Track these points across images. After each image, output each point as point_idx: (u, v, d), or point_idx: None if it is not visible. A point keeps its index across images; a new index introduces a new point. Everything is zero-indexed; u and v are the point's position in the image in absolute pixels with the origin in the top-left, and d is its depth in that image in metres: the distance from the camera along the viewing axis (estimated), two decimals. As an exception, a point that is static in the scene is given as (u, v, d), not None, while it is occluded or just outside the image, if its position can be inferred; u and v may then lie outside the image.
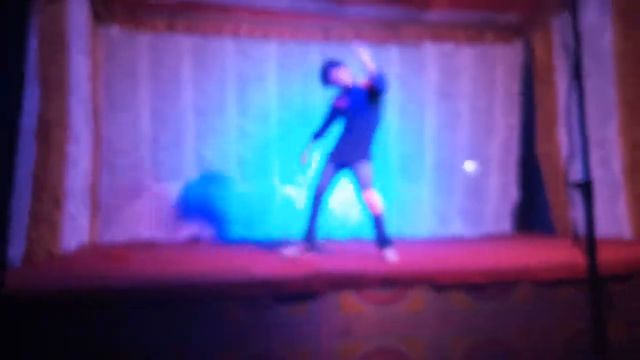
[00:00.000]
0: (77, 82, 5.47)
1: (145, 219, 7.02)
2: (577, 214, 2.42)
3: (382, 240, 4.49)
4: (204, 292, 3.02)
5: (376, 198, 4.54)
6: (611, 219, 5.83)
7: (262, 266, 3.79)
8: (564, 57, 6.43)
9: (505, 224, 7.83)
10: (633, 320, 3.54)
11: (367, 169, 4.64)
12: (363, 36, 7.50)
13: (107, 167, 6.88)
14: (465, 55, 7.75)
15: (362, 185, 4.59)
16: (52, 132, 4.55)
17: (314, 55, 7.53)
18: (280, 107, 7.47)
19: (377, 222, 4.54)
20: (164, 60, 7.10)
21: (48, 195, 4.51)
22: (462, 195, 7.72)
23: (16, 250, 3.85)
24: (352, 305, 3.21)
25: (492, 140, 7.81)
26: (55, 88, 4.65)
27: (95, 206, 6.54)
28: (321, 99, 7.55)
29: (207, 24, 7.12)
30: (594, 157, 5.87)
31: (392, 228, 7.46)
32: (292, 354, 3.08)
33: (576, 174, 2.38)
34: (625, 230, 5.67)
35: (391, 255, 4.32)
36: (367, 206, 4.54)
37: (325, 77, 5.06)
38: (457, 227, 7.67)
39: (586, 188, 2.17)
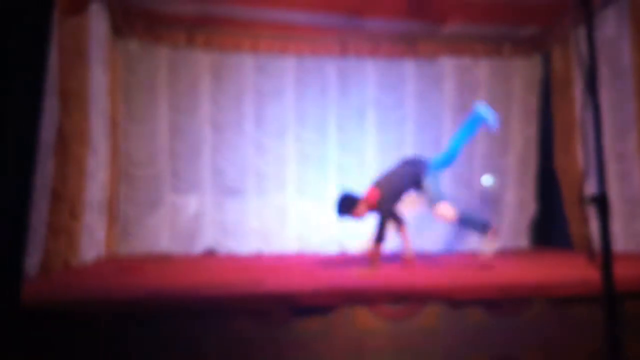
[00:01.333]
0: (96, 94, 5.55)
1: (162, 231, 7.06)
2: (594, 229, 2.38)
3: (479, 228, 4.93)
4: (217, 305, 3.02)
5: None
6: (630, 235, 5.71)
7: (277, 280, 3.78)
8: (582, 70, 6.36)
9: (523, 239, 7.72)
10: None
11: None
12: (380, 50, 7.53)
13: (124, 180, 6.95)
14: (483, 69, 7.71)
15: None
16: (70, 144, 4.62)
17: (332, 69, 7.57)
18: (297, 121, 7.50)
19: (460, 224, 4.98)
20: (182, 74, 7.18)
21: (66, 207, 4.57)
22: (479, 209, 7.64)
23: (33, 261, 3.89)
24: (366, 320, 3.18)
25: (510, 153, 7.74)
26: (74, 101, 4.72)
27: (113, 218, 6.61)
28: (337, 113, 7.59)
29: (225, 38, 7.21)
30: (613, 171, 5.77)
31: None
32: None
33: (592, 188, 2.34)
34: (646, 246, 5.55)
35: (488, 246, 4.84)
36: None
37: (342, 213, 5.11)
38: (474, 242, 7.58)
39: (602, 203, 2.13)
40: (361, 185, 7.46)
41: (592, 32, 2.24)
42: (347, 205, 5.01)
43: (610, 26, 5.96)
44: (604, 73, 5.91)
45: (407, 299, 3.24)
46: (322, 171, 7.54)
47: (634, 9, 5.57)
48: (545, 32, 7.33)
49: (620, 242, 5.62)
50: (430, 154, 7.59)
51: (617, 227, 5.71)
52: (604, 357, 3.26)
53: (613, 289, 2.05)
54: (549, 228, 7.64)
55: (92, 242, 5.58)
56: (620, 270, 2.22)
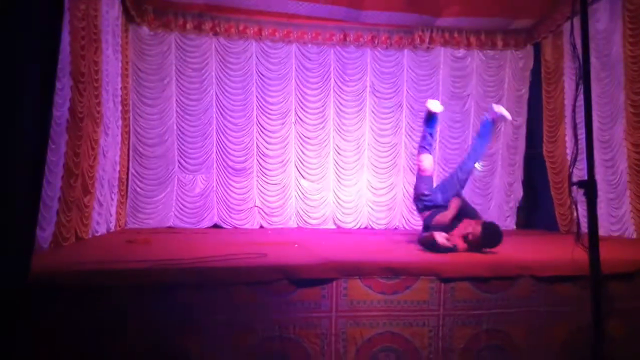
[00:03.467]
0: (108, 76, 5.48)
1: (170, 208, 7.05)
2: (580, 212, 2.34)
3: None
4: (221, 276, 3.00)
5: None
6: (615, 219, 5.70)
7: (278, 253, 3.76)
8: (573, 60, 6.28)
9: (510, 221, 7.71)
10: (631, 318, 3.44)
11: None
12: (379, 40, 7.43)
13: (135, 158, 6.92)
14: (476, 59, 7.62)
15: None
16: (83, 123, 4.56)
17: (332, 57, 7.49)
18: (299, 106, 7.43)
19: None
20: (190, 59, 7.10)
21: (78, 183, 4.52)
22: (467, 192, 7.61)
23: (46, 234, 3.86)
24: (360, 292, 3.16)
25: (499, 140, 7.68)
26: (87, 82, 4.65)
27: (123, 194, 6.58)
28: (336, 99, 7.52)
29: (231, 25, 7.10)
30: (600, 157, 5.74)
31: (397, 221, 7.48)
32: (304, 336, 3.05)
33: (580, 173, 2.30)
34: (629, 230, 5.53)
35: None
36: None
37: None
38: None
39: (590, 187, 2.08)
40: (356, 166, 7.47)
41: (587, 23, 2.17)
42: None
43: (603, 19, 5.87)
44: (593, 64, 5.83)
45: (400, 273, 3.22)
46: (321, 153, 7.50)
47: (627, 2, 5.47)
48: (537, 24, 7.22)
49: (604, 226, 5.60)
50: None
51: (603, 210, 5.70)
52: (583, 332, 3.26)
53: (599, 270, 2.02)
54: (535, 211, 7.63)
55: (103, 216, 5.55)
56: (605, 252, 2.18)
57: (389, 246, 4.69)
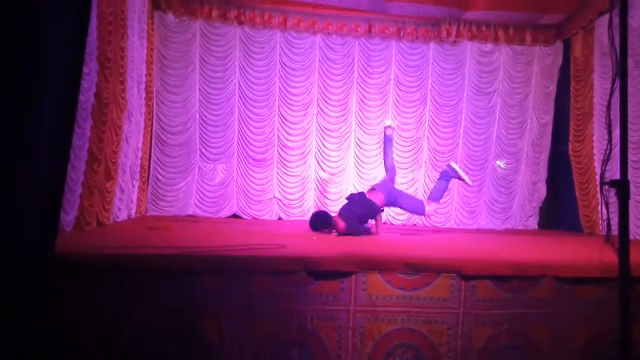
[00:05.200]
0: (133, 63, 5.51)
1: (190, 196, 7.11)
2: (608, 213, 2.28)
3: None
4: (240, 264, 3.01)
5: None
6: (643, 221, 5.58)
7: (296, 244, 3.76)
8: (605, 57, 6.13)
9: (532, 221, 7.61)
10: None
11: None
12: (404, 32, 7.36)
13: (157, 145, 6.97)
14: (503, 54, 7.50)
15: None
16: (108, 109, 4.60)
17: (357, 48, 7.43)
18: (321, 97, 7.41)
19: None
20: (214, 47, 7.11)
21: (101, 168, 4.57)
22: (491, 189, 7.53)
23: (69, 217, 3.91)
24: (380, 287, 3.14)
25: (525, 138, 7.57)
26: (112, 67, 4.69)
27: (145, 181, 6.64)
28: (359, 91, 7.48)
29: (256, 14, 7.09)
30: (630, 159, 5.59)
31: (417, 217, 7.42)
32: (321, 328, 3.05)
33: (609, 174, 2.25)
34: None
35: None
36: None
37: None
38: (484, 220, 7.51)
39: (622, 187, 2.04)
40: (377, 160, 7.43)
41: (626, 18, 2.11)
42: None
43: (635, 15, 5.70)
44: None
45: (421, 269, 3.19)
46: (342, 146, 7.48)
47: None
48: (567, 20, 7.07)
49: (631, 229, 5.47)
50: (447, 134, 7.54)
51: (630, 212, 5.56)
52: (606, 336, 3.19)
53: (628, 271, 1.98)
54: (558, 211, 7.50)
55: (125, 202, 5.61)
56: (632, 256, 2.13)
57: (409, 242, 4.66)
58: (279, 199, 7.32)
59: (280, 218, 7.27)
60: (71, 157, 3.64)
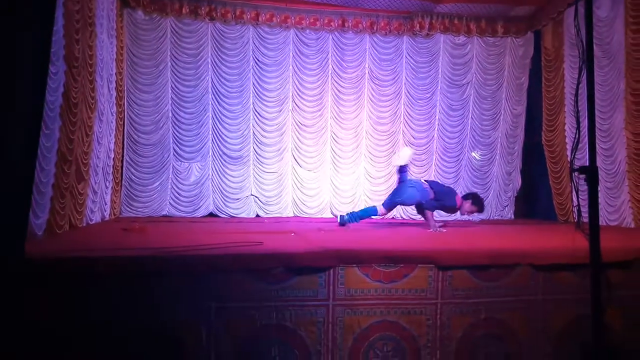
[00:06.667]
0: (102, 61, 5.42)
1: (165, 196, 7.03)
2: (580, 201, 2.33)
3: None
4: (216, 263, 2.99)
5: None
6: (613, 208, 5.71)
7: (274, 240, 3.75)
8: (574, 47, 6.26)
9: (508, 211, 7.73)
10: (630, 306, 3.45)
11: None
12: (378, 26, 7.38)
13: (129, 145, 6.88)
14: (476, 46, 7.58)
15: None
16: (77, 109, 4.52)
17: (330, 43, 7.43)
18: (296, 92, 7.39)
19: None
20: (186, 44, 7.03)
21: (72, 170, 4.49)
22: (467, 181, 7.63)
23: (40, 221, 3.83)
24: (358, 280, 3.16)
25: (499, 129, 7.68)
26: (81, 67, 4.60)
27: (118, 182, 6.55)
28: (334, 86, 7.48)
29: (228, 10, 7.03)
30: (599, 146, 5.73)
31: (395, 211, 7.47)
32: (301, 325, 3.05)
33: (581, 161, 2.29)
34: (627, 219, 5.55)
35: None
36: None
37: None
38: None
39: (591, 174, 2.08)
40: (354, 155, 7.46)
41: (591, 8, 2.16)
42: None
43: (602, 6, 5.83)
44: (595, 52, 5.81)
45: (399, 261, 3.22)
46: (319, 141, 7.48)
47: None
48: (537, 11, 7.18)
49: (602, 215, 5.61)
50: (422, 127, 7.60)
51: (601, 199, 5.70)
52: (582, 321, 3.27)
53: (599, 258, 2.02)
54: (533, 200, 7.64)
55: (97, 205, 5.52)
56: (605, 241, 2.18)
57: (387, 235, 4.69)
58: (256, 197, 7.29)
59: (258, 216, 7.24)
60: (39, 159, 3.57)
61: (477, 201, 5.49)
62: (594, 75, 2.11)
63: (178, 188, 7.08)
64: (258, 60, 7.24)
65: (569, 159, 6.39)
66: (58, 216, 4.18)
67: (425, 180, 5.65)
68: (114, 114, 6.18)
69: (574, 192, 2.19)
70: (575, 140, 2.20)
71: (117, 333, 2.79)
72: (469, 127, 7.60)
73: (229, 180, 7.23)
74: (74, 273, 2.79)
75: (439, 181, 6.39)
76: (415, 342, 3.20)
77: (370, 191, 7.55)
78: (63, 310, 2.75)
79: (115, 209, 6.44)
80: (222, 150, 7.20)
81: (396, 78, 7.55)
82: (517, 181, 7.74)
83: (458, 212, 5.72)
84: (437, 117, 7.59)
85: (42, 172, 3.80)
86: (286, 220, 6.84)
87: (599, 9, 5.84)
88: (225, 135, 7.20)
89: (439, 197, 5.29)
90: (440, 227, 5.25)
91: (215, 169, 7.20)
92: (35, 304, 2.69)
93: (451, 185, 6.68)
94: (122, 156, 6.75)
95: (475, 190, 7.51)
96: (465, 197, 5.54)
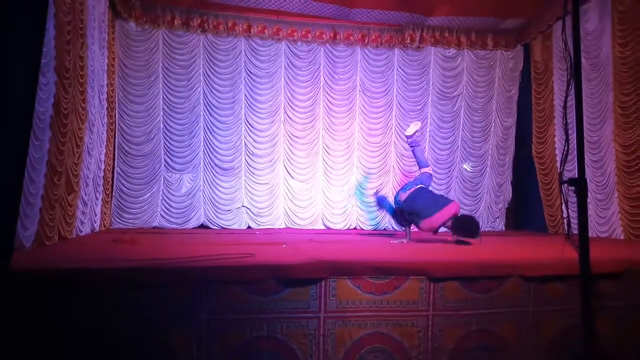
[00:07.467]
0: (93, 72, 5.42)
1: (156, 207, 7.00)
2: (569, 212, 2.35)
3: None
4: (207, 275, 2.97)
5: None
6: (603, 219, 5.75)
7: (265, 252, 3.74)
8: (563, 60, 6.34)
9: (498, 222, 7.76)
10: (620, 316, 3.47)
11: None
12: (369, 38, 7.45)
13: (120, 156, 6.85)
14: (466, 59, 7.66)
15: None
16: (67, 119, 4.50)
17: (322, 55, 7.48)
18: (287, 104, 7.42)
19: None
20: (178, 55, 7.05)
21: (62, 181, 4.46)
22: (458, 192, 7.66)
23: (29, 233, 3.80)
24: (349, 292, 3.15)
25: (489, 141, 7.74)
26: (72, 78, 4.59)
27: (108, 193, 6.51)
28: (326, 98, 7.52)
29: (220, 22, 7.06)
30: (589, 158, 5.79)
31: (387, 222, 7.48)
32: (292, 337, 3.03)
33: (570, 173, 2.31)
34: (617, 231, 5.58)
35: None
36: None
37: None
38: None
39: (581, 186, 2.10)
40: (345, 166, 7.48)
41: (578, 22, 2.19)
42: None
43: (591, 19, 5.92)
44: (582, 65, 5.84)
45: (390, 273, 3.22)
46: (311, 152, 7.49)
47: (616, 3, 5.52)
48: (526, 25, 7.28)
49: (592, 227, 5.65)
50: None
51: (591, 211, 5.75)
52: (572, 331, 3.28)
53: (589, 269, 2.03)
54: (524, 212, 7.68)
55: (88, 216, 5.48)
56: (594, 252, 2.20)
57: (378, 246, 4.69)
58: (247, 208, 7.28)
59: (249, 227, 7.22)
60: (29, 170, 3.55)
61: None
62: (581, 88, 2.13)
63: (169, 199, 7.05)
64: (250, 71, 7.26)
65: (559, 171, 6.49)
66: (47, 228, 4.14)
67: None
68: (105, 125, 6.16)
69: (563, 204, 2.21)
70: (565, 153, 2.22)
71: (106, 344, 2.76)
72: (459, 139, 7.65)
73: (220, 192, 7.21)
74: (61, 284, 2.76)
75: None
76: (407, 354, 3.19)
77: (362, 202, 7.56)
78: (49, 323, 2.72)
79: (105, 220, 6.40)
80: (213, 162, 7.19)
81: (387, 90, 7.60)
82: (508, 193, 7.79)
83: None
84: (428, 129, 7.63)
85: (32, 183, 3.78)
86: (278, 231, 6.82)
87: (587, 22, 5.93)
88: (217, 147, 7.19)
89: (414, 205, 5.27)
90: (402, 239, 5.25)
91: (207, 180, 7.18)
92: (21, 317, 2.66)
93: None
94: (113, 167, 6.72)
95: (466, 202, 7.56)
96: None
